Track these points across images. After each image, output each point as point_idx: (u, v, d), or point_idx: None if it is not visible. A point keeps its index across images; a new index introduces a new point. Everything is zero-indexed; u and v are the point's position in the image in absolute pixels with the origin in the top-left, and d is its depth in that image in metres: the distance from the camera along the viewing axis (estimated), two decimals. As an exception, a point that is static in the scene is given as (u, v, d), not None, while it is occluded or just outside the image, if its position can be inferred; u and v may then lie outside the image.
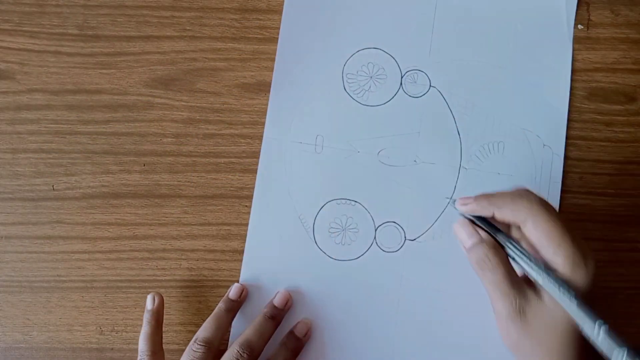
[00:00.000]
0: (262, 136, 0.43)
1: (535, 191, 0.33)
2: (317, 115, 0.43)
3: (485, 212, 0.33)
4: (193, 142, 0.43)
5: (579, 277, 0.30)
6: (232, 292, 0.40)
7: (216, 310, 0.39)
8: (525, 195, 0.32)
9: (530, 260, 0.31)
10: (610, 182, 0.44)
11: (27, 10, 0.44)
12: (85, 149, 0.43)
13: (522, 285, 0.32)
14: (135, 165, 0.43)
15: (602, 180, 0.44)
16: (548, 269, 0.30)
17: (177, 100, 0.44)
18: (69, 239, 0.42)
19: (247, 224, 0.42)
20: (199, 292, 0.42)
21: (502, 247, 0.33)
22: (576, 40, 0.45)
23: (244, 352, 0.36)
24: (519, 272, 0.33)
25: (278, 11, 0.45)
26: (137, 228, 0.42)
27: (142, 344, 0.38)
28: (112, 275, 0.41)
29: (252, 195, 0.42)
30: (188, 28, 0.44)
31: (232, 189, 0.43)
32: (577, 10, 0.46)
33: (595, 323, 0.29)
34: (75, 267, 0.41)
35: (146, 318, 0.39)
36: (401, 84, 0.44)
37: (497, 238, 0.33)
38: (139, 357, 0.38)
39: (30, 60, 0.44)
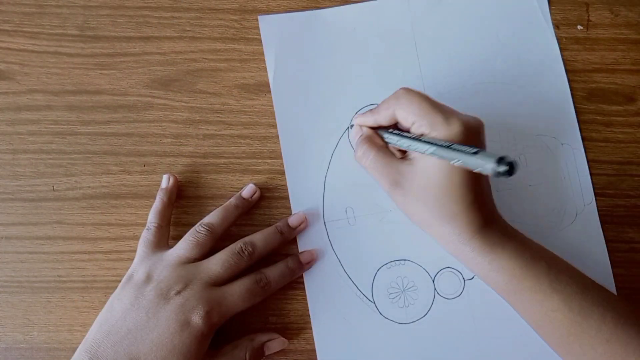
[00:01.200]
0: (261, 137, 0.43)
1: (410, 87, 0.37)
2: (340, 188, 0.42)
3: (369, 120, 0.39)
4: (193, 142, 0.43)
5: (444, 133, 0.34)
6: (245, 191, 0.41)
7: (226, 203, 0.41)
8: (395, 93, 0.37)
9: (402, 137, 0.36)
10: (609, 183, 0.44)
11: (27, 11, 0.44)
12: (86, 149, 0.43)
13: (395, 162, 0.37)
14: (135, 165, 0.43)
15: (601, 181, 0.44)
16: (418, 137, 0.35)
17: (177, 101, 0.44)
18: (69, 239, 0.42)
19: (246, 224, 0.42)
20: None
21: (381, 137, 0.39)
22: (575, 40, 0.45)
23: (246, 249, 0.38)
24: (398, 154, 0.38)
25: (278, 13, 0.45)
26: (138, 228, 0.42)
27: (151, 216, 0.40)
28: (112, 276, 0.41)
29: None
30: (188, 29, 0.44)
31: (232, 189, 0.43)
32: (575, 10, 0.46)
33: (466, 152, 0.31)
34: (76, 267, 0.42)
35: (159, 195, 0.41)
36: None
37: (378, 133, 0.39)
38: (146, 227, 0.39)
39: (31, 61, 0.44)
